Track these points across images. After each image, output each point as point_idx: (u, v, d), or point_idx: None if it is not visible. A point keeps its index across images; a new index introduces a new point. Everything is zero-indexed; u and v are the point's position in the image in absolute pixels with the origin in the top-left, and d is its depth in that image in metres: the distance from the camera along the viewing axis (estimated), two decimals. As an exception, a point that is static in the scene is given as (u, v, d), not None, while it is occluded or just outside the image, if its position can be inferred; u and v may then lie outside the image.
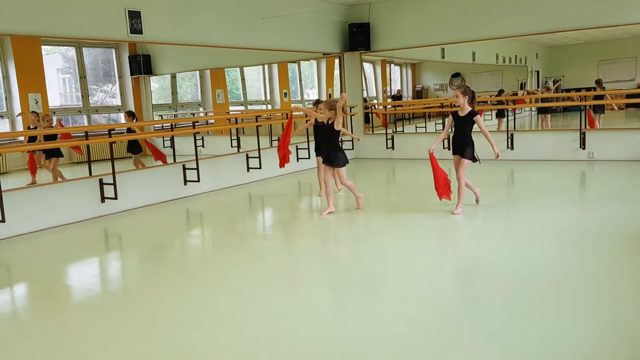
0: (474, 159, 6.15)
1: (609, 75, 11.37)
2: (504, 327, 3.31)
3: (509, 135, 10.50)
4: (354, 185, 6.74)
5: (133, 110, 9.06)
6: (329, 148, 6.46)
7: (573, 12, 9.67)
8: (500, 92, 12.02)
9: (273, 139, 10.67)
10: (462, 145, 6.12)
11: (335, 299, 4.03)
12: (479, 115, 6.09)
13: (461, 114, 6.12)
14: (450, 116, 6.47)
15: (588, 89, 11.15)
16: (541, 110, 11.57)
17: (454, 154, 6.24)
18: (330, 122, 6.40)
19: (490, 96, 12.13)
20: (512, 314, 3.49)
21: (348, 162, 6.53)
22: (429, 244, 5.28)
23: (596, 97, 10.74)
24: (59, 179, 7.29)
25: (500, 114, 11.72)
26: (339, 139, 6.71)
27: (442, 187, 6.18)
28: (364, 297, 4.01)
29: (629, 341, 3.06)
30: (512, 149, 10.48)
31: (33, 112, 7.45)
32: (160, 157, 8.58)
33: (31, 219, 6.50)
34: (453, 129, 6.43)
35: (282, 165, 7.55)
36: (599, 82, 11.15)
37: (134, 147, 8.56)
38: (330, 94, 12.99)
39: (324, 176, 6.63)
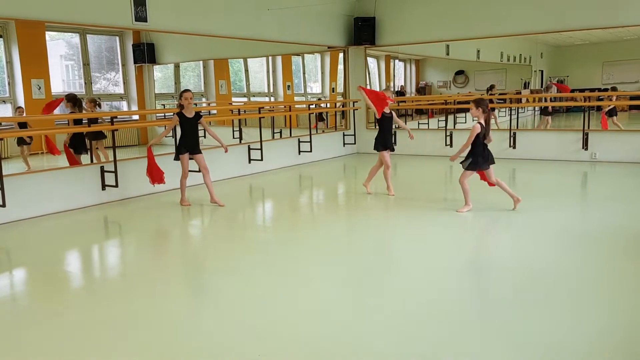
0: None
1: (614, 76, 11.33)
2: (505, 324, 3.30)
3: (511, 134, 10.49)
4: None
5: (75, 94, 7.99)
6: None
7: (580, 12, 9.64)
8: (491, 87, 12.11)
9: (275, 131, 10.66)
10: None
11: (335, 292, 4.02)
12: None
13: None
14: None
15: (592, 90, 11.13)
16: (543, 112, 11.51)
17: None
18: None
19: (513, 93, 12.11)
20: (513, 312, 3.48)
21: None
22: (430, 240, 5.27)
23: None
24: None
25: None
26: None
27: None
28: (364, 290, 4.01)
29: (629, 339, 3.07)
30: (514, 147, 10.47)
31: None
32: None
33: (31, 205, 6.48)
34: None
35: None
36: (491, 87, 11.85)
37: (98, 134, 7.94)
38: (333, 88, 12.97)
39: (464, 179, 6.18)
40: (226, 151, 7.02)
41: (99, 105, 8.54)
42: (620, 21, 9.44)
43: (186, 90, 6.71)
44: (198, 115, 6.74)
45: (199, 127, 6.84)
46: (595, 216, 6.12)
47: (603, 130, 10.09)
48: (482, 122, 5.92)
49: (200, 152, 6.78)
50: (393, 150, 7.29)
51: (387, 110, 7.08)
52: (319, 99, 13.04)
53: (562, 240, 5.08)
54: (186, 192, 6.99)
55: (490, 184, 6.20)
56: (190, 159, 6.80)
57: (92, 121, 7.48)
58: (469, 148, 6.01)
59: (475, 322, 3.34)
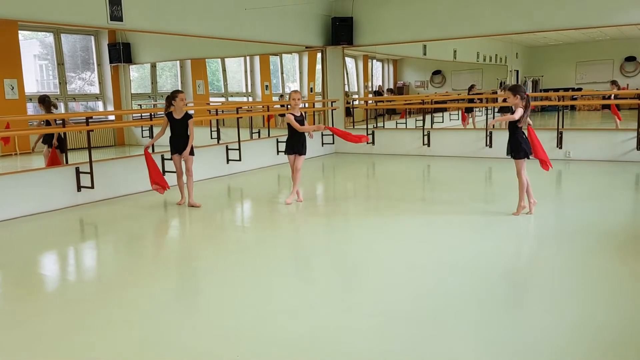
0: None
1: (587, 76, 11.53)
2: (481, 322, 3.34)
3: (488, 133, 10.61)
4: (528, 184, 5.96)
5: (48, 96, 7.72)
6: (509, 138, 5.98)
7: (554, 12, 9.81)
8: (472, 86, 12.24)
9: (253, 132, 10.62)
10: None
11: (313, 292, 4.04)
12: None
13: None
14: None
15: (566, 89, 11.32)
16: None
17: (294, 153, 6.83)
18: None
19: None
20: (488, 310, 3.53)
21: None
22: (407, 240, 5.31)
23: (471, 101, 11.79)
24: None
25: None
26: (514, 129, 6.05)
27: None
28: (342, 290, 4.02)
29: (602, 337, 3.12)
30: (490, 146, 10.58)
31: None
32: None
33: (4, 207, 6.37)
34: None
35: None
36: (471, 87, 12.12)
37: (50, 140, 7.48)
38: (311, 88, 12.97)
39: (522, 171, 5.92)
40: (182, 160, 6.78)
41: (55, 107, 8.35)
42: (593, 22, 9.62)
43: (180, 91, 6.72)
44: (187, 116, 6.71)
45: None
46: (569, 213, 6.22)
47: (577, 130, 10.28)
48: (522, 107, 5.74)
49: (192, 154, 6.77)
50: (303, 153, 6.84)
51: (297, 113, 6.74)
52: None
53: (536, 238, 5.15)
54: (185, 191, 6.88)
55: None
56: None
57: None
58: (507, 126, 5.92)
59: (450, 321, 3.37)
